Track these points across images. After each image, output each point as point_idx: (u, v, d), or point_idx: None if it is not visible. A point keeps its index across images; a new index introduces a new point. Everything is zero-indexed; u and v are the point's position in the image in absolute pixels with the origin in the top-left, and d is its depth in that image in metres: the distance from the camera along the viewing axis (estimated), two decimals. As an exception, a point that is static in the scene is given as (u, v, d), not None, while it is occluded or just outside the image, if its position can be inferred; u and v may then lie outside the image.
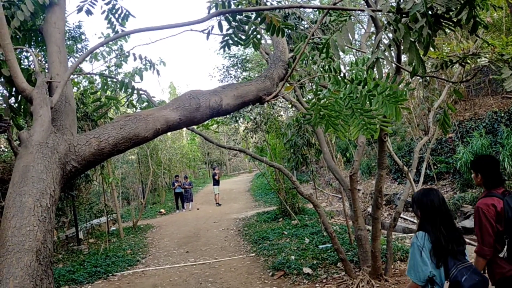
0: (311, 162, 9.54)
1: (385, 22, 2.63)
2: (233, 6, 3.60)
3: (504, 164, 8.95)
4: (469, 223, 8.88)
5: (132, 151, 18.23)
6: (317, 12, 7.07)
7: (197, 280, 6.61)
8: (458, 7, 2.43)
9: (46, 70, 3.23)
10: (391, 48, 2.77)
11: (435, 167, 11.30)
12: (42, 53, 7.45)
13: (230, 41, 3.71)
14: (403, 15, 2.62)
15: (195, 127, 4.95)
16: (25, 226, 2.03)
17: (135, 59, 5.29)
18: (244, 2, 3.71)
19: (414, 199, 2.62)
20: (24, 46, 3.61)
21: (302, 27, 5.62)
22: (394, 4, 2.72)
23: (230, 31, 3.63)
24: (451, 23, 2.63)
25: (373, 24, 4.10)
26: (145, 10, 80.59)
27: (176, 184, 16.74)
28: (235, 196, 19.55)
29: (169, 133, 18.87)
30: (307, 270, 6.11)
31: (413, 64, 2.55)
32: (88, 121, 8.69)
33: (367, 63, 2.84)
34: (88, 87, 8.30)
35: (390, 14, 2.63)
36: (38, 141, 2.34)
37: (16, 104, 3.27)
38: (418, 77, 6.04)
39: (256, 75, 13.36)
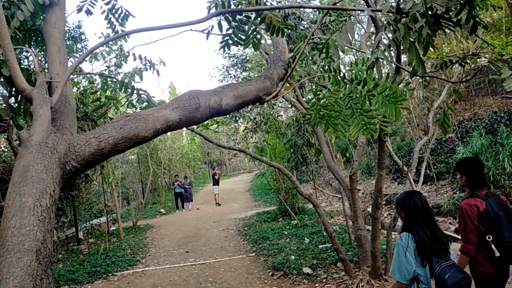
0: (311, 162, 9.55)
1: (385, 22, 2.63)
2: (233, 6, 3.60)
3: (504, 164, 8.96)
4: (469, 223, 8.88)
5: (132, 151, 18.24)
6: (317, 12, 7.08)
7: (197, 280, 6.61)
8: (458, 7, 2.43)
9: (46, 70, 3.23)
10: (391, 48, 2.78)
11: (435, 167, 11.30)
12: (42, 53, 7.45)
13: (230, 41, 3.71)
14: (403, 15, 2.62)
15: (195, 127, 4.95)
16: (25, 226, 2.03)
17: (135, 59, 5.29)
18: (244, 2, 3.71)
19: (397, 201, 2.71)
20: (24, 46, 3.61)
21: (302, 27, 5.62)
22: (394, 4, 2.72)
23: (230, 31, 3.63)
24: (450, 23, 2.64)
25: (373, 24, 4.10)
26: (145, 10, 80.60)
27: (176, 183, 16.74)
28: (235, 196, 19.55)
29: (169, 133, 18.87)
30: (307, 270, 6.12)
31: (413, 64, 2.55)
32: (88, 121, 8.69)
33: (366, 63, 2.84)
34: (88, 87, 8.30)
35: (390, 14, 2.63)
36: (38, 141, 2.34)
37: (16, 104, 3.27)
38: (418, 77, 6.04)
39: (256, 75, 13.37)
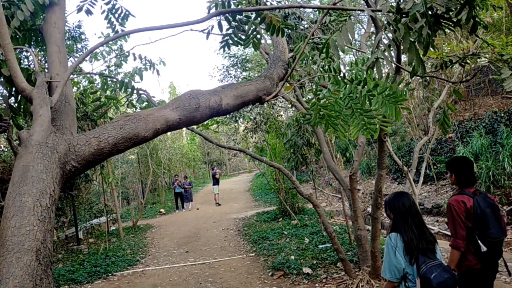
0: (311, 162, 9.54)
1: (385, 22, 2.63)
2: (233, 6, 3.60)
3: (504, 164, 8.96)
4: (468, 223, 8.88)
5: (132, 151, 18.24)
6: (317, 12, 7.08)
7: (196, 280, 6.61)
8: (458, 7, 2.43)
9: (46, 70, 3.23)
10: (391, 48, 2.78)
11: (435, 167, 11.30)
12: (42, 53, 7.44)
13: (230, 41, 3.71)
14: (403, 15, 2.62)
15: (195, 127, 4.95)
16: (24, 226, 2.03)
17: (135, 59, 5.29)
18: (244, 2, 3.71)
19: (386, 202, 2.78)
20: (24, 46, 3.61)
21: (302, 27, 5.62)
22: (394, 4, 2.72)
23: (230, 31, 3.63)
24: (450, 23, 2.63)
25: (373, 24, 4.10)
26: (145, 10, 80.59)
27: (175, 183, 16.74)
28: (235, 196, 19.55)
29: (169, 133, 18.86)
30: (306, 270, 6.12)
31: (413, 64, 2.55)
32: (88, 120, 8.69)
33: (366, 63, 2.84)
34: (88, 86, 8.30)
35: (390, 14, 2.63)
36: (38, 141, 2.34)
37: (16, 104, 3.27)
38: (418, 77, 6.04)
39: (256, 75, 13.37)
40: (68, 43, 9.31)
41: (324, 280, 5.69)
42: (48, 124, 2.46)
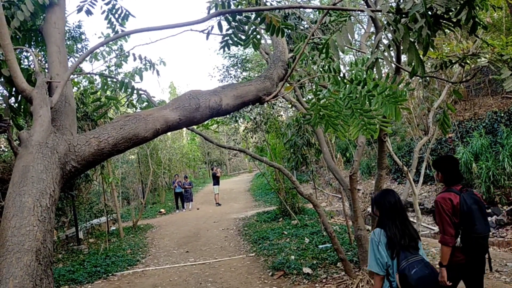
0: (311, 162, 9.55)
1: (385, 23, 2.63)
2: (232, 7, 3.60)
3: (504, 164, 8.96)
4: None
5: (132, 151, 18.24)
6: (317, 12, 7.08)
7: (197, 280, 6.62)
8: (458, 8, 2.43)
9: (46, 70, 3.23)
10: (391, 49, 2.78)
11: (435, 167, 11.27)
12: (42, 53, 7.45)
13: (230, 41, 3.71)
14: (403, 16, 2.62)
15: (195, 127, 4.95)
16: (24, 226, 2.03)
17: (135, 59, 5.29)
18: (244, 2, 3.71)
19: (373, 199, 2.93)
20: (24, 46, 3.61)
21: (302, 27, 5.62)
22: (394, 5, 2.72)
23: (230, 31, 3.63)
24: (450, 24, 2.63)
25: (372, 25, 4.10)
26: (145, 10, 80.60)
27: (175, 183, 16.74)
28: (235, 196, 19.55)
29: (169, 133, 18.86)
30: (307, 270, 6.12)
31: (413, 64, 2.55)
32: (88, 121, 8.69)
33: (366, 63, 2.84)
34: (88, 87, 8.31)
35: (390, 14, 2.63)
36: (38, 141, 2.34)
37: (16, 104, 3.27)
38: (418, 77, 6.04)
39: (256, 75, 13.36)
40: (68, 43, 9.32)
41: (324, 280, 5.69)
42: (48, 124, 2.46)
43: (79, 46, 10.13)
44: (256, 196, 18.31)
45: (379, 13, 2.82)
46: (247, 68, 17.68)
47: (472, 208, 3.04)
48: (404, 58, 4.36)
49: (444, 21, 2.65)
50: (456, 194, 3.12)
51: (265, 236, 9.09)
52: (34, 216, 2.08)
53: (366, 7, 3.10)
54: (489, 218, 8.92)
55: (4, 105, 3.20)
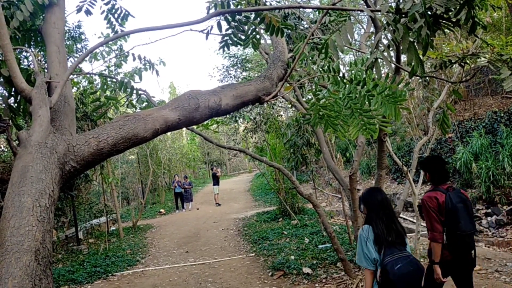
0: (310, 162, 9.55)
1: (384, 22, 2.63)
2: (232, 6, 3.60)
3: (503, 164, 8.96)
4: (468, 223, 8.87)
5: (132, 151, 18.24)
6: (317, 12, 7.08)
7: (196, 280, 6.61)
8: (457, 7, 2.43)
9: (46, 70, 3.23)
10: (390, 49, 2.78)
11: (435, 167, 11.27)
12: (41, 53, 7.44)
13: (230, 41, 3.71)
14: (402, 15, 2.62)
15: (194, 127, 4.95)
16: (24, 226, 2.03)
17: (134, 59, 5.29)
18: (243, 2, 3.71)
19: (360, 197, 3.00)
20: (24, 46, 3.61)
21: (301, 27, 5.62)
22: (393, 5, 2.72)
23: (230, 31, 3.63)
24: (450, 23, 2.63)
25: (372, 24, 4.10)
26: (145, 10, 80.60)
27: (175, 183, 16.74)
28: (235, 196, 19.55)
29: (168, 133, 18.86)
30: (306, 270, 6.12)
31: (412, 64, 2.55)
32: (87, 121, 8.69)
33: (366, 63, 2.84)
34: (88, 87, 8.30)
35: (389, 14, 2.63)
36: (37, 141, 2.34)
37: (16, 104, 3.27)
38: (417, 77, 6.04)
39: (256, 75, 13.37)
40: (67, 43, 9.32)
41: (324, 280, 5.69)
42: (47, 124, 2.46)
43: (79, 46, 10.13)
44: (256, 196, 18.31)
45: (379, 13, 2.82)
46: (247, 68, 17.68)
47: (457, 207, 3.12)
48: (403, 58, 4.35)
49: (443, 21, 2.64)
50: (442, 193, 3.22)
51: (265, 236, 9.09)
52: (33, 216, 2.08)
53: (365, 7, 3.10)
54: (488, 218, 8.92)
55: (4, 105, 3.20)
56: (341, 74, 3.23)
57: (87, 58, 6.85)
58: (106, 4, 4.46)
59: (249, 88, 3.35)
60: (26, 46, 3.66)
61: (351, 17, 5.99)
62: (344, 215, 7.94)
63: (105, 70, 7.17)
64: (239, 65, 17.66)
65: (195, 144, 30.31)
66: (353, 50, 10.17)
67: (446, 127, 3.71)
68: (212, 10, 3.47)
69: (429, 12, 2.55)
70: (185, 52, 75.28)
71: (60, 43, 3.18)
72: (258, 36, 3.72)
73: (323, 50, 2.86)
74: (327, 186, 16.63)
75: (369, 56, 2.84)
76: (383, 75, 3.42)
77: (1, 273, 1.89)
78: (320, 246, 7.43)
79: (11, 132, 2.60)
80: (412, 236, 6.94)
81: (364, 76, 3.08)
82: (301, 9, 5.85)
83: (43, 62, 7.46)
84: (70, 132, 2.73)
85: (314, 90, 3.47)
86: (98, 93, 5.44)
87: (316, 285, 5.60)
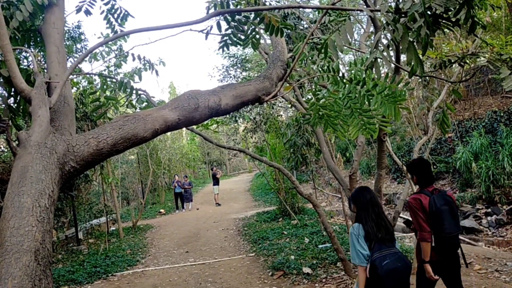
0: (310, 162, 9.55)
1: (384, 22, 2.63)
2: (232, 6, 3.60)
3: (503, 164, 8.96)
4: (468, 222, 8.89)
5: (132, 151, 18.24)
6: (316, 12, 7.08)
7: (196, 280, 6.61)
8: (456, 7, 2.43)
9: (45, 70, 3.23)
10: (390, 48, 2.78)
11: (435, 166, 11.30)
12: (41, 53, 7.44)
13: (229, 41, 3.71)
14: (402, 15, 2.62)
15: (194, 127, 4.95)
16: (23, 227, 2.03)
17: (134, 59, 5.28)
18: (243, 2, 3.71)
19: (350, 197, 3.13)
20: (23, 46, 3.61)
21: (301, 27, 5.62)
22: (393, 4, 2.72)
23: (229, 31, 3.63)
24: (449, 23, 2.63)
25: (372, 24, 4.10)
26: (145, 10, 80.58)
27: (174, 183, 16.74)
28: (235, 196, 19.55)
29: (168, 133, 18.86)
30: (306, 270, 6.12)
31: (412, 64, 2.55)
32: (87, 121, 8.69)
33: (365, 63, 2.84)
34: (88, 87, 8.30)
35: (389, 14, 2.63)
36: (36, 141, 2.34)
37: (15, 105, 3.27)
38: (417, 77, 6.04)
39: (256, 75, 13.36)
40: (67, 43, 9.32)
41: (324, 280, 5.69)
42: (47, 124, 2.46)
43: (78, 46, 10.13)
44: (256, 196, 18.31)
45: (378, 12, 2.82)
46: (247, 68, 17.69)
47: (441, 209, 3.20)
48: (403, 57, 4.35)
49: (443, 21, 2.64)
50: (426, 196, 3.30)
51: (265, 236, 9.09)
52: (33, 216, 2.08)
53: (365, 6, 3.10)
54: (488, 218, 8.92)
55: (3, 105, 3.20)
56: (340, 74, 3.23)
57: (86, 58, 6.85)
58: (106, 4, 4.46)
59: (249, 88, 3.35)
60: (26, 46, 3.66)
61: (351, 17, 5.98)
62: (344, 215, 7.94)
63: (104, 70, 7.17)
64: (239, 65, 17.66)
65: (195, 144, 30.31)
66: (353, 50, 10.17)
67: (446, 126, 3.72)
68: (212, 10, 3.47)
69: (429, 12, 2.55)
70: (185, 52, 75.32)
71: (59, 43, 3.18)
72: (257, 36, 3.72)
73: (323, 50, 2.86)
74: (327, 186, 16.64)
75: (368, 56, 2.84)
76: (382, 75, 3.43)
77: (1, 274, 1.89)
78: (320, 246, 7.43)
79: (11, 133, 2.59)
80: (412, 236, 6.94)
81: (364, 76, 3.08)
82: (300, 9, 5.85)
83: (43, 62, 7.45)
84: (70, 132, 2.73)
85: (313, 90, 3.47)
86: (97, 93, 5.43)
87: (316, 285, 5.60)
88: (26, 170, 2.20)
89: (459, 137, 10.97)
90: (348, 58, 16.93)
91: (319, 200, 13.62)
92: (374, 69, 2.66)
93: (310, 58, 4.59)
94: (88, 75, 7.44)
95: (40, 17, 3.53)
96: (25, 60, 6.89)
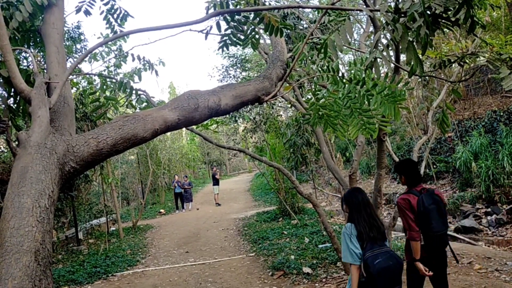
0: (310, 161, 9.56)
1: (383, 22, 2.63)
2: (231, 6, 3.60)
3: (503, 163, 8.96)
4: (468, 222, 8.89)
5: (132, 151, 18.24)
6: (316, 12, 7.08)
7: (197, 280, 6.61)
8: (456, 7, 2.43)
9: (45, 71, 3.23)
10: (390, 48, 2.78)
11: (435, 166, 11.31)
12: (40, 53, 7.45)
13: (229, 41, 3.71)
14: (401, 15, 2.62)
15: (194, 127, 4.95)
16: (23, 227, 2.03)
17: (133, 59, 5.28)
18: (242, 2, 3.71)
19: (342, 197, 3.21)
20: (23, 47, 3.61)
21: (301, 27, 5.62)
22: (392, 4, 2.72)
23: (229, 31, 3.63)
24: (449, 23, 2.63)
25: (371, 24, 4.10)
26: (144, 10, 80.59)
27: (174, 183, 16.74)
28: (235, 196, 19.55)
29: (168, 133, 18.86)
30: (306, 269, 6.12)
31: (411, 63, 2.55)
32: (87, 121, 8.69)
33: (365, 63, 2.84)
34: (87, 87, 8.30)
35: (388, 14, 2.63)
36: (36, 141, 2.34)
37: (15, 105, 3.27)
38: (417, 77, 6.04)
39: (255, 75, 13.36)
40: (67, 43, 9.31)
41: (324, 280, 5.69)
42: (46, 125, 2.46)
43: (78, 46, 10.13)
44: (256, 196, 18.31)
45: (378, 12, 2.82)
46: (246, 68, 17.69)
47: (429, 208, 3.28)
48: (403, 57, 4.36)
49: (442, 21, 2.64)
50: (415, 196, 3.37)
51: (265, 236, 9.09)
52: (33, 216, 2.08)
53: (364, 6, 3.10)
54: (488, 217, 8.93)
55: (3, 105, 3.20)
56: (340, 74, 3.23)
57: (86, 59, 6.85)
58: (105, 4, 4.46)
59: (249, 88, 3.35)
60: (25, 46, 3.66)
61: (350, 16, 5.98)
62: (344, 214, 7.94)
63: (104, 70, 7.17)
64: (239, 65, 17.66)
65: (194, 144, 30.30)
66: (353, 50, 10.17)
67: (445, 126, 3.72)
68: (212, 10, 3.47)
69: (428, 12, 2.55)
70: (184, 52, 75.32)
71: (59, 43, 3.18)
72: (257, 36, 3.72)
73: (322, 50, 2.86)
74: (327, 185, 16.64)
75: (368, 56, 2.84)
76: (382, 75, 3.43)
77: (1, 274, 1.89)
78: (320, 246, 7.43)
79: (11, 133, 2.59)
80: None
81: (364, 75, 3.08)
82: (300, 9, 5.85)
83: (43, 62, 7.45)
84: (70, 133, 2.72)
85: (313, 90, 3.48)
86: (97, 93, 5.44)
87: (316, 284, 5.60)
88: (26, 171, 2.20)
89: (459, 136, 10.97)
90: (347, 58, 16.95)
91: (319, 200, 13.63)
92: (373, 69, 2.66)
93: (309, 58, 4.59)
94: (87, 75, 7.44)
95: (40, 17, 3.53)
96: (24, 61, 6.89)
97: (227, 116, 12.15)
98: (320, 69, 3.64)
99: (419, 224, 3.31)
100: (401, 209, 3.40)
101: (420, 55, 2.58)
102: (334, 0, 3.34)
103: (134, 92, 4.44)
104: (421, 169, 6.54)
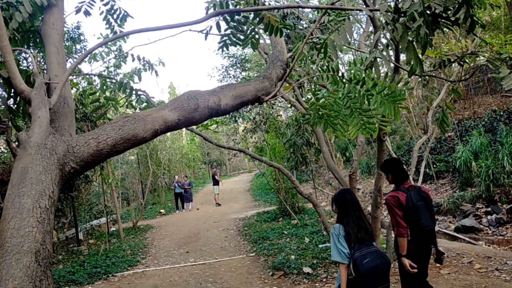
0: (310, 161, 9.56)
1: (383, 22, 2.63)
2: (231, 7, 3.60)
3: (503, 163, 8.96)
4: (468, 221, 8.89)
5: (132, 151, 18.24)
6: (316, 12, 7.08)
7: (197, 280, 6.62)
8: (456, 6, 2.43)
9: (45, 71, 3.23)
10: (389, 48, 2.78)
11: (435, 166, 11.31)
12: (40, 54, 7.45)
13: (229, 41, 3.71)
14: (401, 15, 2.62)
15: (194, 127, 4.95)
16: (24, 227, 2.03)
17: (133, 59, 5.28)
18: (242, 2, 3.71)
19: (332, 198, 3.27)
20: (23, 47, 3.61)
21: (300, 27, 5.62)
22: (392, 4, 2.72)
23: (229, 31, 3.63)
24: (448, 22, 2.64)
25: (371, 24, 4.10)
26: (144, 11, 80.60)
27: (175, 183, 16.74)
28: (235, 196, 19.54)
29: (168, 133, 18.87)
30: (307, 269, 6.12)
31: (411, 63, 2.55)
32: (87, 121, 8.69)
33: (365, 62, 2.84)
34: (87, 87, 8.30)
35: (388, 13, 2.63)
36: (36, 142, 2.34)
37: (15, 105, 3.27)
38: (416, 76, 6.04)
39: (255, 75, 13.36)
40: (66, 44, 9.31)
41: (324, 280, 5.69)
42: (46, 125, 2.46)
43: (78, 47, 10.12)
44: (256, 196, 18.31)
45: (378, 12, 2.82)
46: (246, 68, 17.68)
47: (417, 205, 3.36)
48: (402, 57, 4.36)
49: (442, 20, 2.65)
50: (403, 193, 3.44)
51: (265, 236, 9.09)
52: (33, 217, 2.08)
53: (364, 6, 3.10)
54: (488, 217, 8.93)
55: (3, 106, 3.20)
56: (340, 74, 3.23)
57: (86, 59, 6.85)
58: (105, 5, 4.46)
59: (248, 88, 3.35)
60: (25, 47, 3.66)
61: (350, 16, 5.99)
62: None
63: (104, 70, 7.17)
64: (238, 65, 17.65)
65: (194, 144, 30.30)
66: (352, 50, 10.17)
67: (445, 126, 3.72)
68: (211, 10, 3.47)
69: (428, 11, 2.55)
70: (184, 52, 75.32)
71: (59, 44, 3.18)
72: (257, 36, 3.73)
73: (322, 50, 2.87)
74: (327, 185, 16.65)
75: (368, 56, 2.84)
76: (382, 75, 3.43)
77: (2, 275, 1.89)
78: (320, 246, 7.43)
79: (11, 134, 2.59)
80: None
81: (363, 75, 3.08)
82: (300, 8, 5.85)
83: (42, 63, 7.45)
84: (70, 133, 2.73)
85: (313, 89, 3.48)
86: (97, 94, 5.44)
87: (317, 284, 5.60)
88: (26, 171, 2.20)
89: (459, 136, 10.98)
90: (347, 58, 16.95)
91: (319, 200, 13.63)
92: (373, 68, 2.66)
93: (309, 58, 4.59)
94: (87, 76, 7.44)
95: (40, 18, 3.53)
96: (24, 61, 6.89)
97: (227, 116, 12.15)
98: (320, 69, 3.65)
99: (408, 220, 3.38)
100: (390, 206, 3.47)
101: (420, 55, 2.59)
102: (334, 0, 3.35)
103: (134, 92, 4.44)
104: (421, 168, 6.55)
